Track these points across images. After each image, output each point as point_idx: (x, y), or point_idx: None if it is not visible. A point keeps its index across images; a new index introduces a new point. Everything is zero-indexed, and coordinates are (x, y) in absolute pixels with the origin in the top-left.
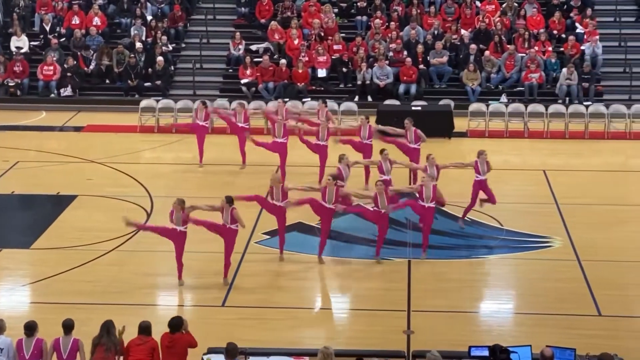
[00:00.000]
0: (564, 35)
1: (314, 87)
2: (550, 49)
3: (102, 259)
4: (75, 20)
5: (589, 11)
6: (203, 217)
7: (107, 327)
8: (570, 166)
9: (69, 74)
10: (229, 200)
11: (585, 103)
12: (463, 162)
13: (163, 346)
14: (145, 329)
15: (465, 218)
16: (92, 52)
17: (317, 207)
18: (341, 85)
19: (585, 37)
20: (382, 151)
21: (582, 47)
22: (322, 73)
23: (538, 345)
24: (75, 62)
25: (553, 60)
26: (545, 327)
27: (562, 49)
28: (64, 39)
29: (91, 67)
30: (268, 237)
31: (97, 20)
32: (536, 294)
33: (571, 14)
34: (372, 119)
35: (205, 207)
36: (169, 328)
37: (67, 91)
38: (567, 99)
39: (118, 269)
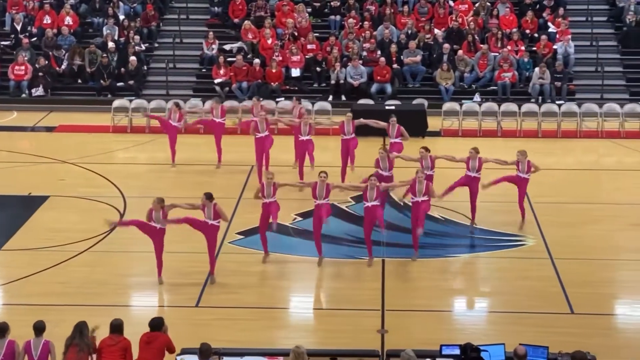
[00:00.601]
0: (536, 35)
1: (287, 87)
2: (522, 48)
3: (75, 259)
4: (47, 19)
5: (561, 11)
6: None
7: (80, 328)
8: (543, 165)
9: (40, 74)
10: (209, 197)
11: (557, 102)
12: (455, 156)
13: (142, 342)
14: (116, 327)
15: (439, 216)
16: (64, 51)
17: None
18: (315, 85)
19: (557, 36)
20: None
21: (555, 47)
22: (295, 72)
23: (511, 343)
24: (47, 62)
25: (526, 60)
26: (519, 325)
27: (534, 48)
28: (35, 38)
29: (63, 66)
30: (242, 237)
31: (68, 20)
32: (509, 293)
33: (543, 14)
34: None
35: (185, 205)
36: (149, 328)
37: (38, 91)
38: (540, 98)
39: (91, 270)
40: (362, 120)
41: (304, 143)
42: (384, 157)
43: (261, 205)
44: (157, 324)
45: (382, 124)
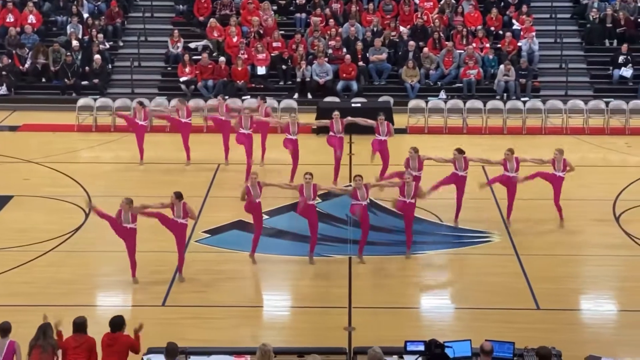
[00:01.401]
0: (501, 32)
1: (253, 85)
2: (487, 45)
3: (40, 259)
4: (10, 18)
5: (525, 8)
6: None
7: (44, 329)
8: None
9: (3, 73)
10: (179, 196)
11: (522, 99)
12: (444, 157)
13: (104, 345)
14: (80, 325)
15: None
16: (27, 50)
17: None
18: (281, 83)
19: (522, 33)
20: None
21: (519, 44)
22: (261, 71)
23: (477, 339)
24: (10, 61)
25: (491, 57)
26: (485, 321)
27: (499, 45)
28: None
29: (27, 65)
30: (208, 235)
31: (32, 18)
32: (475, 289)
33: (508, 11)
34: (312, 116)
35: (157, 205)
36: (110, 327)
37: (2, 90)
38: (505, 95)
39: (56, 270)
40: (349, 118)
41: (292, 142)
42: (414, 157)
43: (248, 206)
44: (117, 323)
45: (371, 122)
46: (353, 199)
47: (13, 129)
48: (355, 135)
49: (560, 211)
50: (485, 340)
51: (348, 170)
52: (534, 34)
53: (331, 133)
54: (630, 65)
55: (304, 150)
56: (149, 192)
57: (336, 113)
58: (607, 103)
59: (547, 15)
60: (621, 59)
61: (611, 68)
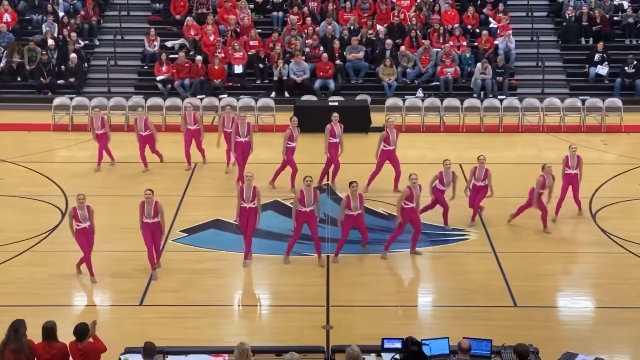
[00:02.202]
0: (477, 30)
1: (230, 84)
2: (464, 43)
3: (15, 259)
4: None
5: (501, 6)
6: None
7: (15, 328)
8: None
9: None
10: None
11: (499, 97)
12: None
13: (75, 357)
14: (49, 330)
15: (383, 212)
16: (2, 49)
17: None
18: (258, 82)
19: (498, 31)
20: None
21: (496, 42)
22: (238, 69)
23: (455, 337)
24: None
25: (467, 55)
26: (463, 319)
27: (476, 43)
28: None
29: (2, 64)
30: (185, 234)
31: (7, 17)
32: (453, 287)
33: (484, 9)
34: (289, 115)
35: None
36: (75, 337)
37: None
38: (482, 93)
39: (32, 270)
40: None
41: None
42: (482, 163)
43: (240, 209)
44: (82, 332)
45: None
46: (346, 209)
47: None
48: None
49: (579, 204)
50: (463, 337)
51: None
52: (510, 32)
53: (331, 139)
54: (606, 63)
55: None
56: (125, 192)
57: (335, 115)
58: (583, 101)
59: (524, 14)
60: (597, 57)
61: (587, 66)
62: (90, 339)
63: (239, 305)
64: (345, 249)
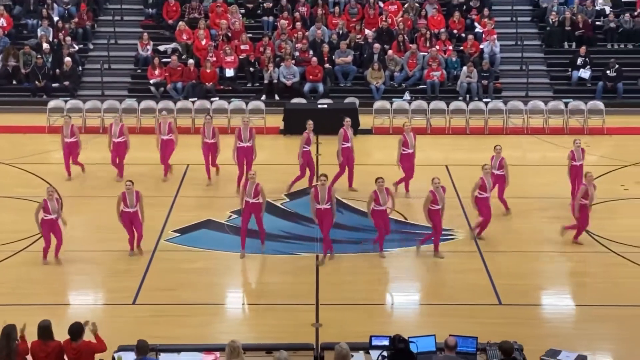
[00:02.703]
0: (463, 35)
1: (222, 87)
2: (450, 48)
3: (11, 259)
4: None
5: (486, 11)
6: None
7: (7, 333)
8: (471, 161)
9: None
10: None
11: (484, 100)
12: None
13: (69, 356)
14: (45, 329)
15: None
16: None
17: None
18: (249, 85)
19: (483, 36)
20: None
21: (481, 46)
22: (229, 73)
23: (442, 334)
24: None
25: (453, 59)
26: (449, 316)
27: (462, 48)
28: None
29: None
30: (178, 234)
31: (2, 21)
32: (439, 285)
33: (470, 14)
34: (279, 118)
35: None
36: (69, 335)
37: None
38: (468, 96)
39: (27, 270)
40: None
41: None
42: (499, 153)
43: (244, 204)
44: (76, 331)
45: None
46: (375, 203)
47: None
48: (322, 136)
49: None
50: (449, 335)
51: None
52: (495, 36)
53: (344, 144)
54: (588, 67)
55: (274, 150)
56: (116, 193)
57: (348, 120)
58: (566, 104)
59: (508, 19)
60: (580, 60)
61: (570, 70)
62: (92, 339)
63: (230, 304)
64: (337, 248)
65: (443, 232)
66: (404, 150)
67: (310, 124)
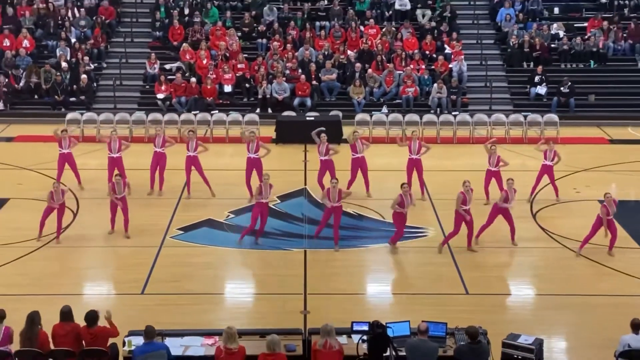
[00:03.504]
0: (434, 55)
1: (221, 101)
2: (423, 67)
3: (32, 254)
4: (6, 42)
5: (455, 35)
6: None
7: (31, 318)
8: (441, 167)
9: (4, 89)
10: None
11: (453, 113)
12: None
13: (86, 339)
14: (66, 314)
15: (353, 212)
16: (21, 70)
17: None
18: (245, 99)
19: (452, 56)
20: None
21: (450, 65)
22: (228, 88)
23: (415, 320)
24: (6, 80)
25: (426, 77)
26: (421, 305)
27: (433, 67)
28: None
29: (21, 84)
30: (182, 232)
31: (26, 43)
32: (413, 277)
33: (441, 37)
34: (271, 128)
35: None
36: (86, 322)
37: None
38: (438, 109)
39: (47, 264)
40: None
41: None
42: (494, 152)
43: (256, 203)
44: (92, 317)
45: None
46: (399, 206)
47: (9, 139)
48: (310, 145)
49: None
50: (422, 321)
51: (303, 176)
52: (462, 57)
53: (353, 154)
54: (544, 84)
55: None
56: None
57: (357, 132)
58: (525, 116)
59: (474, 41)
60: (537, 78)
61: (528, 86)
62: (106, 324)
63: (228, 294)
64: (320, 245)
65: (416, 230)
66: (410, 155)
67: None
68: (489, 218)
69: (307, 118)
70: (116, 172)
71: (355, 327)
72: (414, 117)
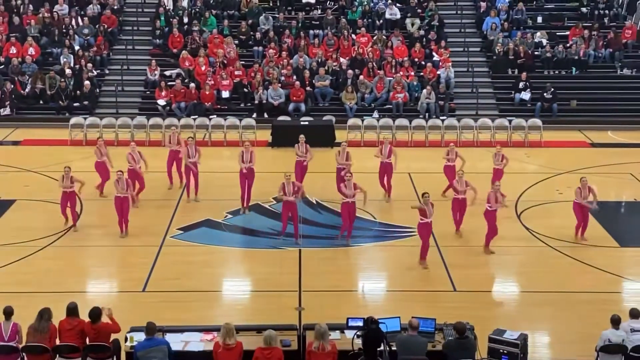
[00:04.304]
0: (423, 62)
1: (219, 106)
2: (412, 73)
3: (38, 253)
4: (13, 50)
5: (443, 43)
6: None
7: (41, 314)
8: (429, 169)
9: (13, 96)
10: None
11: (441, 118)
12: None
13: (90, 336)
14: (72, 310)
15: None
16: (27, 77)
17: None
18: (242, 105)
19: (440, 64)
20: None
21: (438, 72)
22: (225, 94)
23: (406, 316)
24: (12, 86)
25: (415, 83)
26: (412, 301)
27: (422, 73)
28: (2, 66)
29: (27, 90)
30: (182, 232)
31: (31, 50)
32: (404, 275)
33: (429, 45)
34: (267, 133)
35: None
36: (89, 319)
37: (6, 111)
38: (427, 114)
39: (52, 262)
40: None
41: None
42: (499, 152)
43: (283, 202)
44: (96, 314)
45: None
46: (421, 216)
47: (16, 143)
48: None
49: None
50: (412, 317)
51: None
52: (450, 64)
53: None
54: (528, 90)
55: (263, 160)
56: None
57: (386, 138)
58: (510, 121)
59: (461, 49)
60: (521, 84)
61: (513, 92)
62: (109, 321)
63: (226, 291)
64: (315, 243)
65: (406, 230)
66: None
67: (344, 144)
68: (488, 225)
69: (302, 122)
70: (118, 170)
71: (351, 323)
72: (404, 121)
